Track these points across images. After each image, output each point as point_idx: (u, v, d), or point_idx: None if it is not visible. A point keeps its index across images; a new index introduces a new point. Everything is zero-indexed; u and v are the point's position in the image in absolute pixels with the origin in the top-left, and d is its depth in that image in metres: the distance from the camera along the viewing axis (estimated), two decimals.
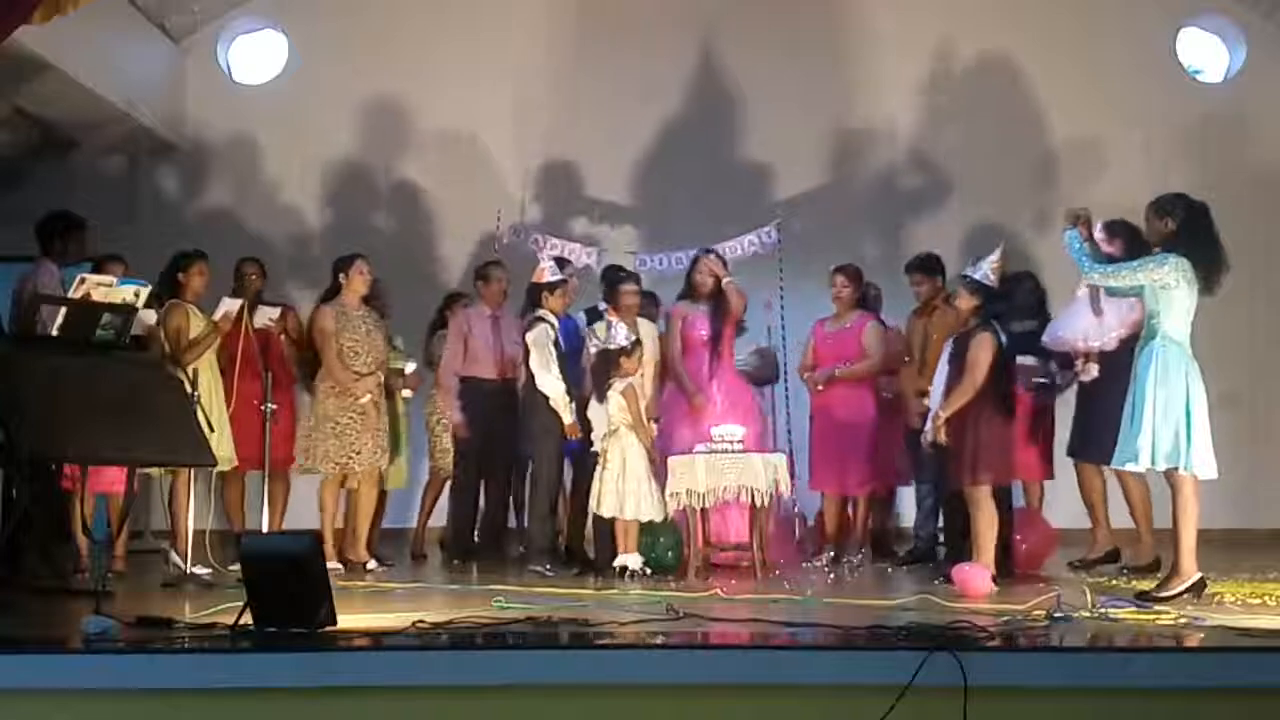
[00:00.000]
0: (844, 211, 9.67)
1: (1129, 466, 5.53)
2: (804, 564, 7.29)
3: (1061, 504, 7.42)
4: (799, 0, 9.91)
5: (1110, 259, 6.04)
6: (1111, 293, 6.19)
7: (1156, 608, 5.09)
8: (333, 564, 6.61)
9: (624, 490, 6.65)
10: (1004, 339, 6.16)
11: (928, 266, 7.50)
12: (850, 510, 7.63)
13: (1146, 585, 5.68)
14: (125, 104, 9.00)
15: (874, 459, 7.49)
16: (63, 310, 5.61)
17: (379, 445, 7.27)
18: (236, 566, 5.52)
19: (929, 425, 6.29)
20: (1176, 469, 5.35)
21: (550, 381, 6.99)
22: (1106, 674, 3.94)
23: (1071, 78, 9.64)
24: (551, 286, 7.24)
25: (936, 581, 6.08)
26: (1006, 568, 6.15)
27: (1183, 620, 4.81)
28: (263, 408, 7.02)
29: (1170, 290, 5.41)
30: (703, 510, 6.76)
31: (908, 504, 8.10)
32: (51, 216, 7.20)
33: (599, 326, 7.26)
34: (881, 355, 7.51)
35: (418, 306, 8.32)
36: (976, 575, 5.74)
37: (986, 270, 6.22)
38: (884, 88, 9.82)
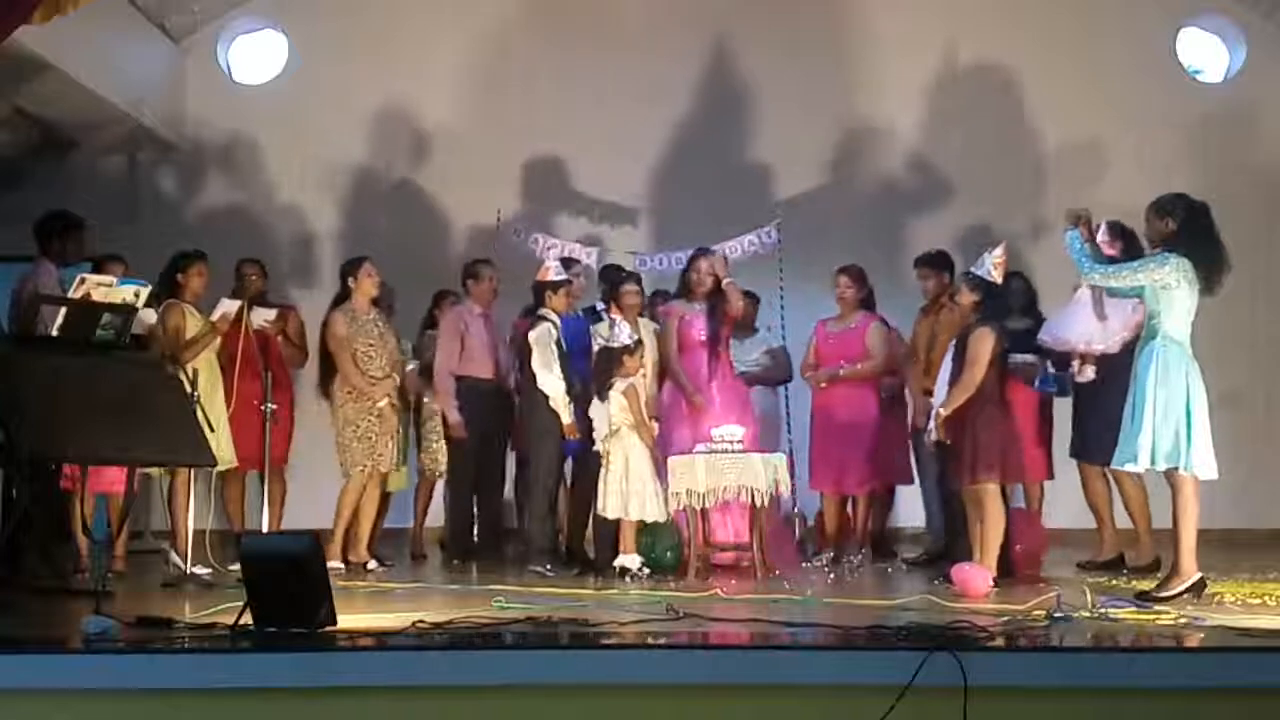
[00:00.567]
0: (844, 212, 9.66)
1: (1129, 466, 5.53)
2: (804, 564, 7.30)
3: (1062, 504, 7.42)
4: (801, 1, 9.92)
5: (1111, 260, 6.05)
6: (1111, 293, 6.19)
7: (1156, 608, 5.09)
8: (334, 564, 6.62)
9: (628, 491, 6.64)
10: (1004, 336, 6.15)
11: (936, 262, 7.49)
12: (850, 510, 7.64)
13: (1146, 585, 5.68)
14: (125, 104, 9.00)
15: (874, 459, 7.49)
16: (63, 310, 5.61)
17: (396, 446, 7.32)
18: (236, 566, 5.52)
19: (931, 424, 6.29)
20: (1177, 469, 5.35)
21: (551, 381, 6.98)
22: (1106, 674, 3.94)
23: (1071, 78, 9.63)
24: (555, 285, 7.24)
25: (936, 581, 6.07)
26: (1005, 568, 6.14)
27: (1183, 620, 4.80)
28: (263, 408, 7.02)
29: (1171, 290, 5.41)
30: (702, 510, 6.76)
31: (906, 504, 8.09)
32: (50, 216, 7.19)
33: (601, 326, 7.26)
34: (885, 355, 7.52)
35: (418, 306, 8.31)
36: (976, 575, 5.74)
37: (990, 266, 6.21)
38: (884, 88, 9.81)
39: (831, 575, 6.84)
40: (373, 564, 7.24)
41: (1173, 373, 5.35)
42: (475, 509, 7.68)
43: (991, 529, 5.93)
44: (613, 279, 7.77)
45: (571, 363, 7.12)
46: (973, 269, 6.28)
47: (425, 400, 7.87)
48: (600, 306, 7.66)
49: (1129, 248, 6.41)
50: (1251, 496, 8.71)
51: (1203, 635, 4.45)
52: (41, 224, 7.16)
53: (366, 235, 9.56)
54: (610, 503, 6.68)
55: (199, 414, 6.10)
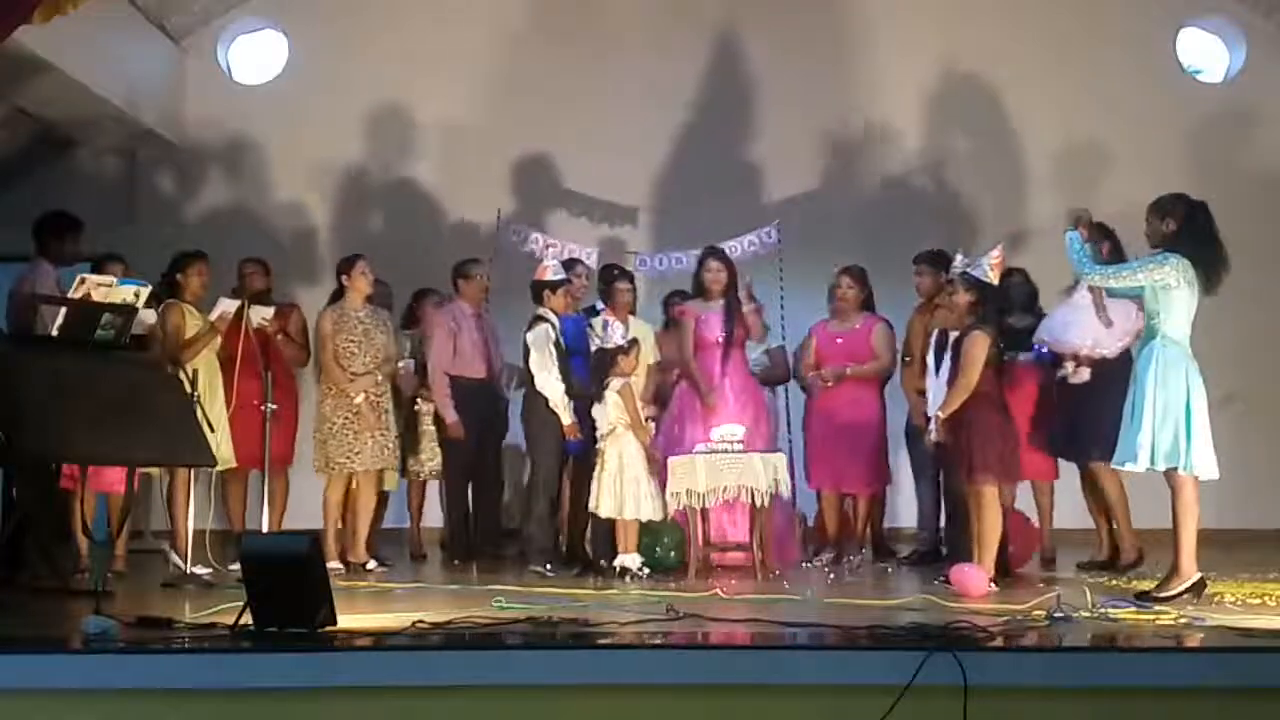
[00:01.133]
0: (844, 212, 9.66)
1: (1128, 466, 5.52)
2: (804, 564, 7.30)
3: (1062, 504, 7.40)
4: (802, 1, 9.91)
5: (1105, 260, 6.05)
6: (1111, 293, 6.20)
7: (1156, 608, 5.08)
8: (333, 564, 6.62)
9: (622, 491, 6.64)
10: (999, 338, 6.15)
11: (933, 260, 7.49)
12: (850, 510, 7.64)
13: (1147, 585, 5.68)
14: (125, 104, 9.00)
15: (874, 459, 7.50)
16: (63, 310, 5.61)
17: (382, 446, 7.27)
18: (236, 566, 5.52)
19: (932, 425, 6.29)
20: (1176, 469, 5.35)
21: (549, 382, 6.98)
22: (1107, 674, 3.94)
23: (1072, 78, 9.64)
24: (553, 285, 7.22)
25: (936, 581, 6.07)
26: (1003, 567, 6.14)
27: (1183, 620, 4.80)
28: (263, 408, 7.02)
29: (1171, 291, 5.40)
30: (703, 510, 6.76)
31: (904, 504, 8.09)
32: (47, 216, 7.17)
33: (595, 324, 7.28)
34: (890, 357, 7.54)
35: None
36: (975, 576, 5.73)
37: (986, 268, 6.20)
38: (884, 88, 9.81)
39: (831, 575, 6.84)
40: (372, 564, 7.24)
41: (1172, 373, 5.35)
42: (469, 509, 7.69)
43: (989, 530, 5.93)
44: (606, 277, 7.79)
45: (572, 363, 7.12)
46: (969, 270, 6.28)
47: (417, 400, 7.86)
48: (600, 306, 7.67)
49: (1115, 248, 6.42)
50: (1251, 496, 8.70)
51: (1203, 635, 4.45)
52: (39, 224, 7.14)
53: (366, 234, 9.59)
54: (604, 502, 6.68)
55: (199, 414, 6.10)
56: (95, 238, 7.51)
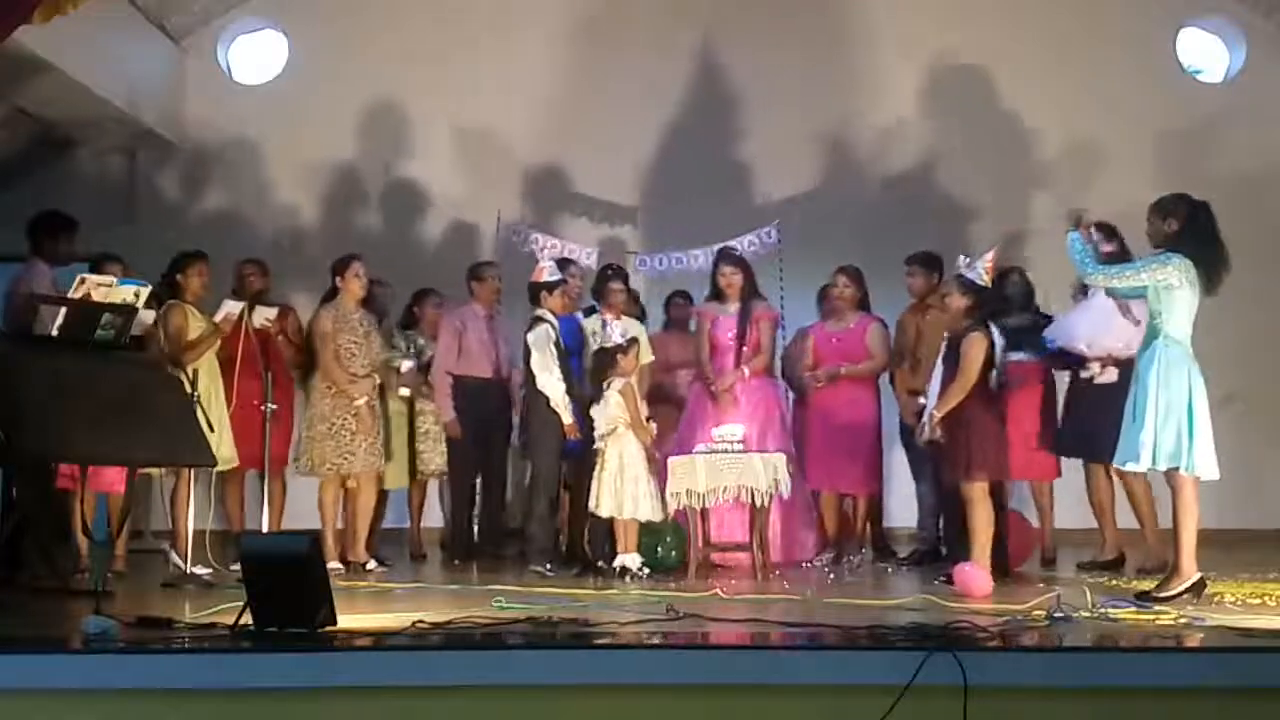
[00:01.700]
0: (844, 212, 9.65)
1: (1130, 466, 5.53)
2: (804, 564, 7.30)
3: (1064, 504, 7.40)
4: (802, 2, 9.91)
5: (1110, 260, 6.05)
6: (1111, 294, 6.19)
7: (1156, 608, 5.08)
8: (333, 564, 6.62)
9: (622, 490, 6.64)
10: (997, 339, 6.17)
11: (926, 261, 7.51)
12: (850, 510, 7.64)
13: (1147, 585, 5.68)
14: (125, 104, 9.00)
15: (871, 459, 7.51)
16: (63, 310, 5.60)
17: (375, 448, 7.27)
18: (236, 566, 5.52)
19: (925, 424, 6.30)
20: (1178, 469, 5.35)
21: (551, 382, 6.98)
22: (1106, 674, 3.93)
23: (1072, 78, 9.64)
24: (550, 286, 7.22)
25: (936, 581, 6.08)
26: (1002, 566, 6.15)
27: (1183, 620, 4.80)
28: (263, 408, 7.01)
29: (1174, 290, 5.40)
30: (703, 510, 6.76)
31: (903, 504, 8.09)
32: (41, 216, 7.13)
33: (589, 324, 7.31)
34: (885, 356, 7.54)
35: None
36: (976, 575, 5.74)
37: (981, 270, 6.22)
38: (884, 88, 9.81)
39: (831, 575, 6.84)
40: (372, 564, 7.24)
41: (1174, 373, 5.34)
42: (474, 508, 7.69)
43: (981, 528, 5.95)
44: (599, 278, 7.81)
45: (570, 362, 7.12)
46: (964, 272, 6.29)
47: (418, 400, 7.86)
48: (599, 306, 7.68)
49: (1121, 248, 6.42)
50: (1251, 496, 8.70)
51: (1203, 635, 4.45)
52: (33, 224, 7.10)
53: (364, 235, 9.59)
54: (604, 502, 6.68)
55: (199, 414, 6.10)
56: (95, 238, 7.50)
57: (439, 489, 8.17)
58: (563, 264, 7.65)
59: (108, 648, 4.16)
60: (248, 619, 4.32)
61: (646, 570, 6.60)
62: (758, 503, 6.66)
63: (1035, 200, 9.58)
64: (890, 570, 7.25)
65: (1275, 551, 7.76)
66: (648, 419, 6.91)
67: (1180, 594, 5.30)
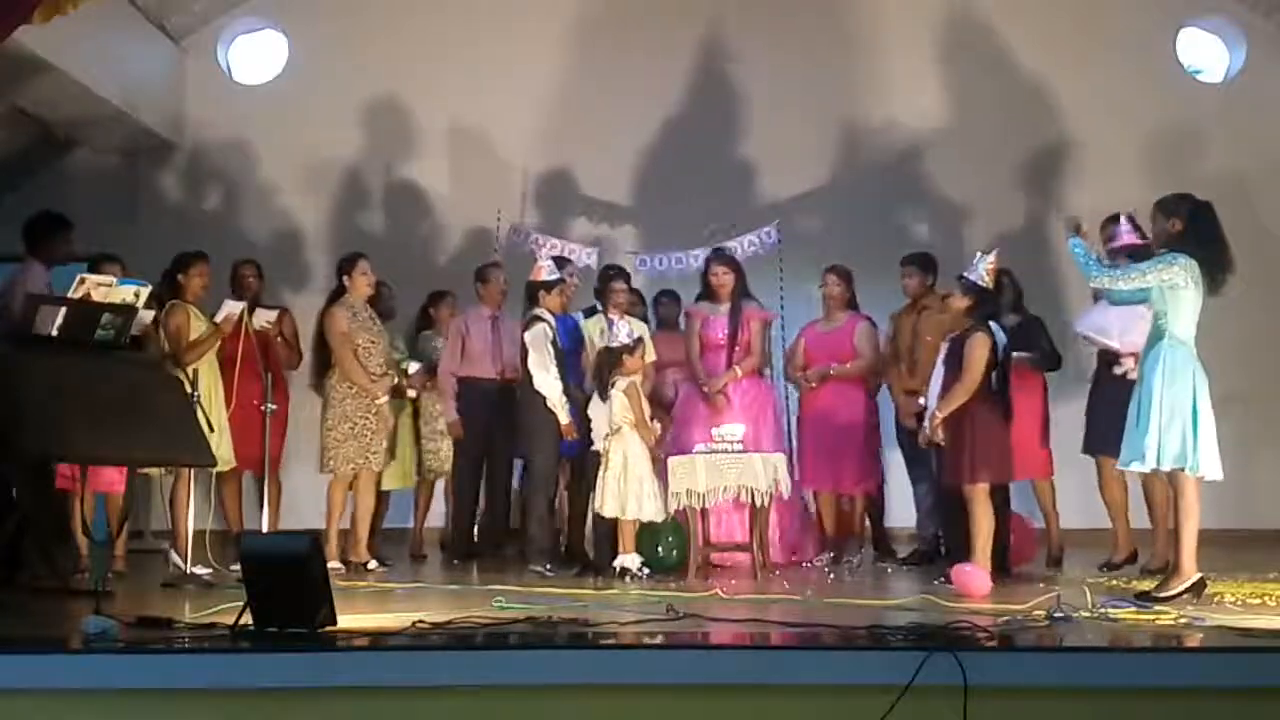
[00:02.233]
0: (844, 211, 9.66)
1: (1134, 466, 5.52)
2: (804, 564, 7.30)
3: (1068, 504, 7.40)
4: (801, 2, 9.91)
5: (1132, 254, 6.04)
6: (1112, 298, 6.17)
7: (1156, 608, 5.08)
8: (333, 564, 6.62)
9: (625, 490, 6.64)
10: (1000, 339, 6.17)
11: (922, 262, 7.52)
12: (849, 510, 7.64)
13: (1146, 585, 5.68)
14: (125, 104, 9.00)
15: (864, 458, 7.51)
16: (63, 310, 5.60)
17: (385, 446, 7.31)
18: (236, 566, 5.52)
19: (926, 425, 6.30)
20: (1182, 470, 5.34)
21: (548, 381, 6.99)
22: (1106, 674, 3.93)
23: (1072, 78, 9.64)
24: (549, 285, 7.24)
25: (936, 581, 6.08)
26: (1004, 567, 6.15)
27: (1183, 620, 4.80)
28: (262, 408, 7.02)
29: (1178, 291, 5.39)
30: (703, 510, 6.76)
31: (903, 504, 8.09)
32: (37, 217, 7.10)
33: (591, 324, 7.30)
34: (873, 355, 7.54)
35: (417, 307, 8.31)
36: (976, 575, 5.74)
37: (982, 271, 6.23)
38: (884, 88, 9.81)
39: (831, 575, 6.84)
40: (373, 564, 7.24)
41: (1179, 374, 5.34)
42: (477, 508, 7.70)
43: (982, 529, 5.95)
44: (601, 278, 7.81)
45: (566, 362, 7.12)
46: (966, 273, 6.30)
47: (425, 400, 7.86)
48: (600, 306, 7.68)
49: (1144, 237, 6.37)
50: (1251, 496, 8.70)
51: (1203, 635, 4.45)
52: (29, 224, 7.07)
53: (365, 235, 9.58)
54: (608, 502, 6.67)
55: (199, 414, 6.10)
56: (95, 238, 7.51)
57: (444, 488, 8.17)
58: (560, 263, 7.66)
59: (108, 648, 4.16)
60: (248, 619, 4.32)
61: (646, 570, 6.60)
62: (758, 503, 6.66)
63: (1034, 200, 9.57)
64: (890, 570, 7.25)
65: (1275, 551, 7.76)
66: (651, 418, 6.92)
67: (1180, 594, 5.30)
